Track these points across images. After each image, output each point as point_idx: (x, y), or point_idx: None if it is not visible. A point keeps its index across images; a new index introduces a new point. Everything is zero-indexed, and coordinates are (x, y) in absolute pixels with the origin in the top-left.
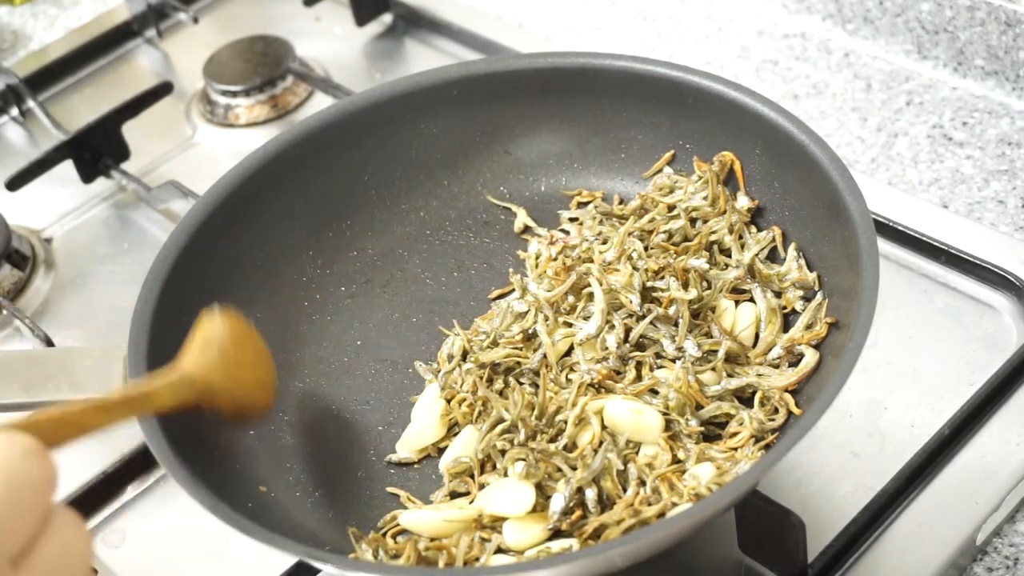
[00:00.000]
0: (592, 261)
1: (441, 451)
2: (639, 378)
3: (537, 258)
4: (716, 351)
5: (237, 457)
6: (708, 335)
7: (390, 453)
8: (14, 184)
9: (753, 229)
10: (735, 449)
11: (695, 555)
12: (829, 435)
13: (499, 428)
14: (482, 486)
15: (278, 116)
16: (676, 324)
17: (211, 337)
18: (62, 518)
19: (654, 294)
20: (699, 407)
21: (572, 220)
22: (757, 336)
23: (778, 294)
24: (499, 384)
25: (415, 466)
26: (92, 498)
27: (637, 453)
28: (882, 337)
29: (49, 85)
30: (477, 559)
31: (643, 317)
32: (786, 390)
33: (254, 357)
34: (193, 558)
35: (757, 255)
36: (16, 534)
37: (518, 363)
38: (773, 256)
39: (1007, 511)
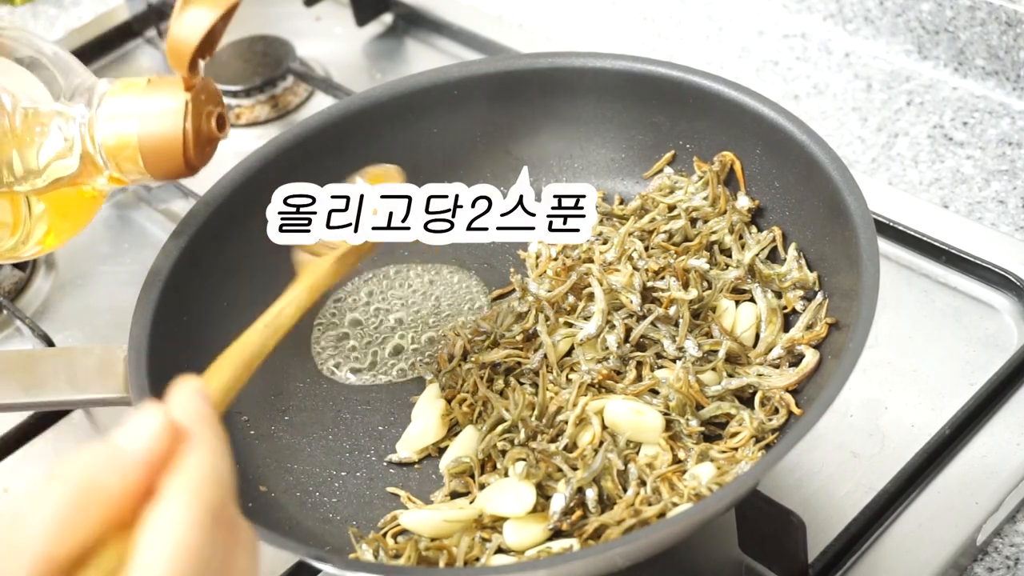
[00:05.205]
0: (592, 261)
1: (441, 451)
2: (639, 378)
3: (537, 258)
4: (716, 351)
5: (237, 457)
6: (708, 335)
7: (390, 453)
8: None
9: (753, 229)
10: (735, 449)
11: (695, 555)
12: (829, 435)
13: (499, 428)
14: (482, 486)
15: (278, 116)
16: (676, 324)
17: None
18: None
19: (654, 294)
20: (699, 407)
21: None
22: (757, 336)
23: (778, 294)
24: (499, 384)
25: (415, 466)
26: None
27: (637, 453)
28: (882, 337)
29: None
30: (477, 559)
31: (643, 317)
32: (786, 390)
33: None
34: None
35: (757, 255)
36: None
37: (518, 363)
38: (773, 256)
39: (1008, 511)
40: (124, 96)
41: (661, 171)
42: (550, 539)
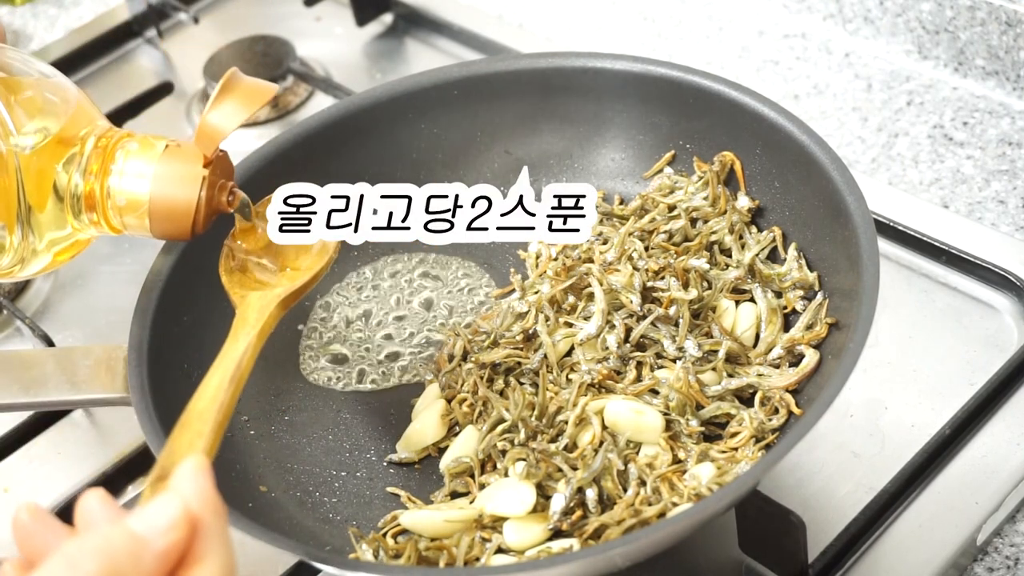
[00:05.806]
0: (592, 261)
1: (441, 451)
2: (639, 378)
3: (537, 258)
4: (716, 351)
5: (237, 457)
6: (708, 335)
7: (390, 453)
8: None
9: (753, 229)
10: (735, 449)
11: (695, 555)
12: (829, 435)
13: (500, 428)
14: (482, 486)
15: (278, 116)
16: (676, 324)
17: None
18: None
19: (654, 294)
20: (699, 407)
21: None
22: (757, 336)
23: (778, 294)
24: (499, 384)
25: (415, 466)
26: None
27: (637, 453)
28: (882, 337)
29: None
30: (477, 559)
31: (644, 317)
32: (786, 390)
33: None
34: None
35: (757, 255)
36: None
37: (518, 363)
38: (773, 256)
39: (1008, 511)
40: (140, 159)
41: (661, 171)
42: (550, 539)
